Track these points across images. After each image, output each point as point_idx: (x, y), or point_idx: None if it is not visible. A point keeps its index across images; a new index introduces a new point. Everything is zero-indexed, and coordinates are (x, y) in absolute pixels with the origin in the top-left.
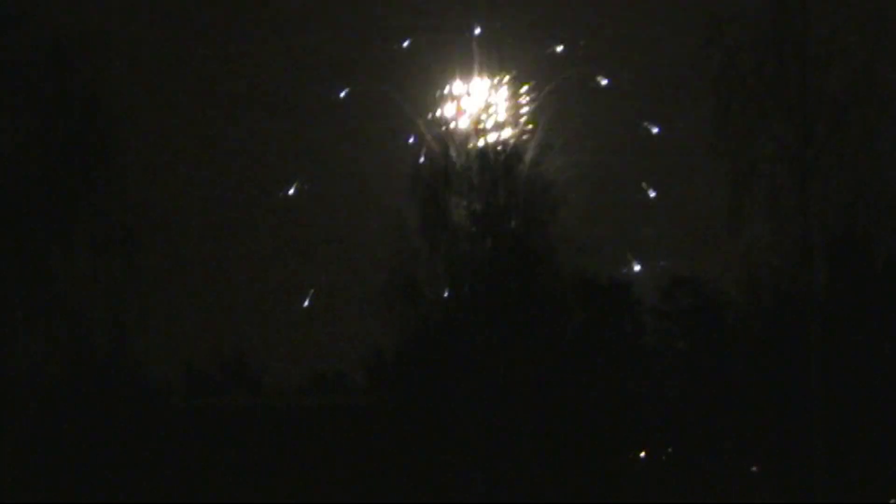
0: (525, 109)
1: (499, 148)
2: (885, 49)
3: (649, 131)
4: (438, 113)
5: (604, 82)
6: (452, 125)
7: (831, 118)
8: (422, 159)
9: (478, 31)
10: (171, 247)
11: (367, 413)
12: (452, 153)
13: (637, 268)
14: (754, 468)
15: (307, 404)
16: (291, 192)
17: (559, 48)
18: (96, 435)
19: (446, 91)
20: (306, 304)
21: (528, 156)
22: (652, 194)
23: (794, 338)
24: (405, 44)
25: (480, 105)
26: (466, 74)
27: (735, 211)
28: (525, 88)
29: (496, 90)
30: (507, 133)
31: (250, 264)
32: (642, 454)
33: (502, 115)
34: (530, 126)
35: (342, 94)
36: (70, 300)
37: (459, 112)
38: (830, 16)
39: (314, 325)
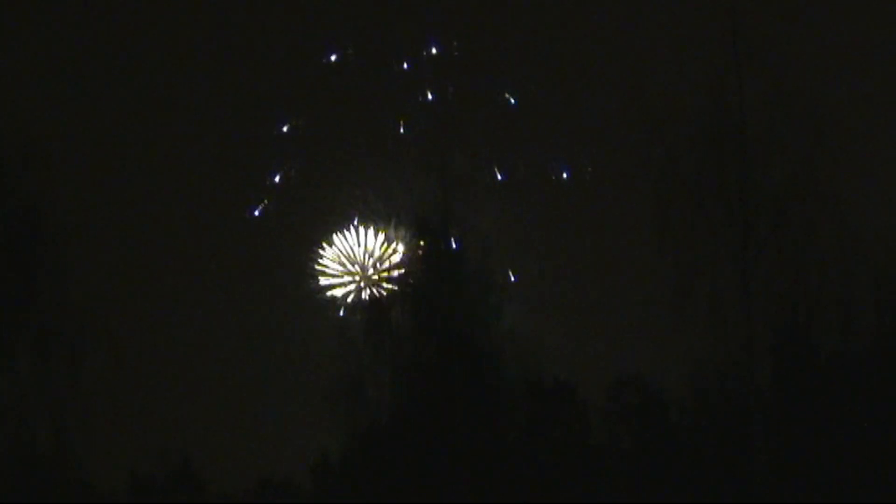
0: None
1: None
2: (824, 146)
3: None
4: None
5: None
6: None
7: (772, 215)
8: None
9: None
10: (115, 351)
11: None
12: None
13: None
14: None
15: None
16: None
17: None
18: None
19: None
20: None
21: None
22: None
23: (739, 435)
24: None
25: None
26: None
27: (678, 309)
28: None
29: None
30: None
31: (195, 369)
32: None
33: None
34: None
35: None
36: (13, 405)
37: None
38: (769, 114)
39: (260, 429)
